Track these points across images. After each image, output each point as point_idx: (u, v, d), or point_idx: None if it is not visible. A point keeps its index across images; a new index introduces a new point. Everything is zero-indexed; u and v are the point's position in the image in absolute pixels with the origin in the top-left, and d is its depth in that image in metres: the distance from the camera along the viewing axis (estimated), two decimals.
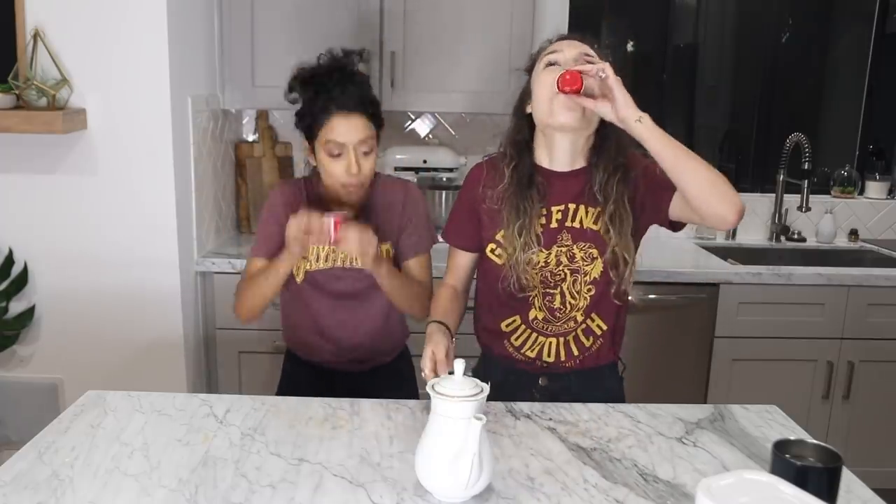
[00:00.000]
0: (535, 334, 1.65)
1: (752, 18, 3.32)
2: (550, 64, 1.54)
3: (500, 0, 2.67)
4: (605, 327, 1.64)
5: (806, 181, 3.03)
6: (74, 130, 2.27)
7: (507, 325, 1.66)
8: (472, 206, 1.66)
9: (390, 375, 1.87)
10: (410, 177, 2.94)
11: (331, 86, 1.63)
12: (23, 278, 2.41)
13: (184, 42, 2.43)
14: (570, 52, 1.54)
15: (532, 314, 1.63)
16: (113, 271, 2.40)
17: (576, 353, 1.65)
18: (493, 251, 1.63)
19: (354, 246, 1.57)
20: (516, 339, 1.66)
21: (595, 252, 1.58)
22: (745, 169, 3.41)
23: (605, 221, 1.57)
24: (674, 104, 3.39)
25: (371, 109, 1.67)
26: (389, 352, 1.88)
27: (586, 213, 1.59)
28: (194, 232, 2.53)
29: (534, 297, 1.62)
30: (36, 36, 2.25)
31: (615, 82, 1.41)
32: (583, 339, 1.64)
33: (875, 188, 3.32)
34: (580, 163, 1.61)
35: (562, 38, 1.60)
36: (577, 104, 1.48)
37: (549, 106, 1.53)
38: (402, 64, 2.70)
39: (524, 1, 2.67)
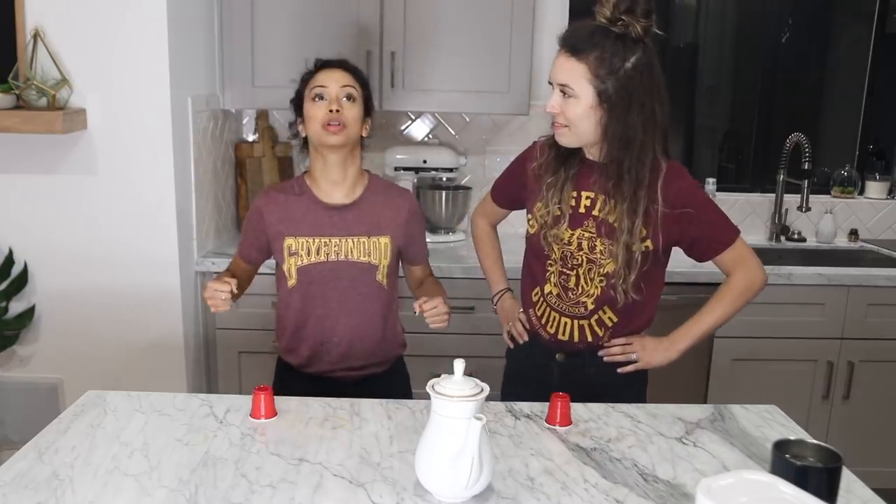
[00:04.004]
0: (550, 310, 1.74)
1: (752, 18, 3.32)
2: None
3: (500, 0, 2.67)
4: (615, 320, 1.70)
5: (806, 181, 3.03)
6: (74, 130, 2.27)
7: (534, 295, 1.77)
8: (520, 177, 1.79)
9: (383, 385, 1.85)
10: (410, 176, 2.95)
11: (322, 59, 1.83)
12: (23, 278, 2.41)
13: (184, 42, 2.43)
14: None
15: (548, 288, 1.73)
16: (113, 271, 2.40)
17: (589, 339, 1.73)
18: (529, 220, 1.76)
19: None
20: (539, 310, 1.77)
21: (614, 250, 1.65)
22: (745, 169, 3.41)
23: (619, 214, 1.62)
24: (674, 104, 3.35)
25: (356, 74, 1.80)
26: (384, 361, 1.87)
27: (613, 207, 1.64)
28: (194, 232, 2.53)
29: (551, 274, 1.72)
30: (36, 36, 2.25)
31: (640, 361, 1.72)
32: (596, 328, 1.72)
33: (875, 188, 3.32)
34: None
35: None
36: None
37: None
38: (402, 64, 2.70)
39: (524, 1, 2.67)
